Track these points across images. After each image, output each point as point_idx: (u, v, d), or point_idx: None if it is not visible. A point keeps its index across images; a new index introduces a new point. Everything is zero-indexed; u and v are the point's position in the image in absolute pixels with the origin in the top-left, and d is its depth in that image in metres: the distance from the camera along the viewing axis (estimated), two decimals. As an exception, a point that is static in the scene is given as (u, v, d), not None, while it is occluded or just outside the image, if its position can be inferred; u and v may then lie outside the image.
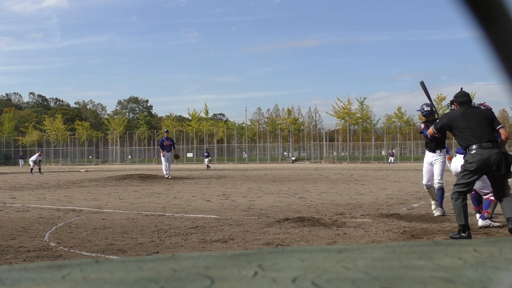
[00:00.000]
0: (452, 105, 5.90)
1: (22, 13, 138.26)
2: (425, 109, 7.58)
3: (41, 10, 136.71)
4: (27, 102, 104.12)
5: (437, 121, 6.07)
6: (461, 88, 5.85)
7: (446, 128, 5.81)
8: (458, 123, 5.51)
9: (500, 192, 5.34)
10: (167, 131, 19.59)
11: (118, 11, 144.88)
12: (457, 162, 7.47)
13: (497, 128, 5.48)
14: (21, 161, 48.52)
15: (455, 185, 5.47)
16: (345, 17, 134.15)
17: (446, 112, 6.16)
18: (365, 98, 60.01)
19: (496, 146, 5.29)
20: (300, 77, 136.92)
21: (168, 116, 72.18)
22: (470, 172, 5.33)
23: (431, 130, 6.14)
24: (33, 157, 27.98)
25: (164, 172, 18.66)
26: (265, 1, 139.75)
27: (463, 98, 5.65)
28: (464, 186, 5.38)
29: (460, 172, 5.64)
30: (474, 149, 5.31)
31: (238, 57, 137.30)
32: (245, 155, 61.60)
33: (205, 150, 38.53)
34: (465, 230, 5.31)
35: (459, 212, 5.33)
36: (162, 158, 18.95)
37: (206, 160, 35.41)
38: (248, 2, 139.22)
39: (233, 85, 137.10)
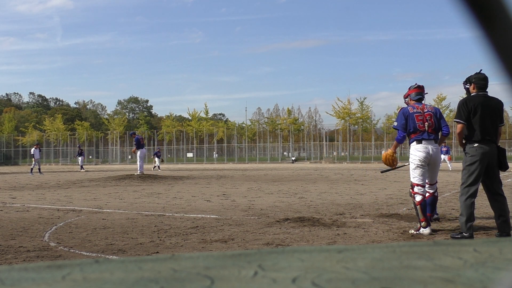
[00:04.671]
0: (467, 85, 5.45)
1: (28, 13, 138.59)
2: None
3: (46, 10, 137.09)
4: (27, 102, 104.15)
5: (459, 112, 5.39)
6: (481, 70, 5.49)
7: (468, 113, 5.25)
8: (478, 110, 5.20)
9: (492, 189, 5.31)
10: (132, 134, 21.13)
11: (123, 10, 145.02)
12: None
13: (499, 125, 5.35)
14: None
15: (462, 184, 5.42)
16: (347, 17, 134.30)
17: (465, 96, 5.46)
18: (365, 98, 60.01)
19: (494, 141, 5.27)
20: (302, 77, 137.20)
21: (168, 116, 72.19)
22: (474, 166, 5.28)
23: (458, 125, 5.40)
24: (37, 155, 27.47)
25: (140, 170, 19.42)
26: (270, 1, 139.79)
27: (484, 82, 5.32)
28: (474, 182, 5.32)
29: (464, 168, 5.48)
30: (477, 143, 5.23)
31: (240, 56, 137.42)
32: (215, 155, 61.25)
33: (157, 149, 35.59)
34: (468, 230, 5.28)
35: (466, 211, 5.27)
36: (139, 156, 19.71)
37: (157, 160, 32.10)
38: (254, 1, 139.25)
39: (234, 85, 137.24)
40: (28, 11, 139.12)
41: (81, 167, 32.27)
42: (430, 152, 5.91)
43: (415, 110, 6.01)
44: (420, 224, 5.85)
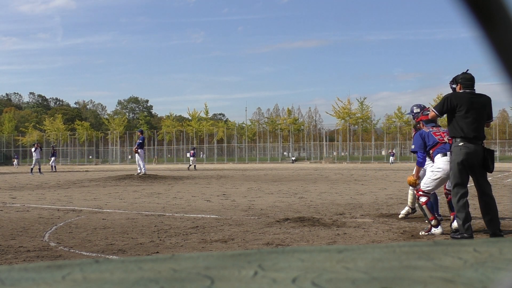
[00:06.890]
0: (454, 85, 5.48)
1: (30, 13, 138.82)
2: (414, 111, 6.94)
3: (48, 9, 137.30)
4: (27, 102, 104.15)
5: (441, 103, 5.43)
6: (467, 70, 5.49)
7: (450, 109, 5.27)
8: (463, 108, 5.17)
9: (479, 189, 5.29)
10: (142, 131, 21.38)
11: (125, 10, 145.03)
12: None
13: (487, 121, 5.33)
14: (15, 162, 49.59)
15: (451, 185, 5.41)
16: (348, 17, 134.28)
17: (449, 93, 5.48)
18: (365, 98, 60.08)
19: (482, 142, 5.24)
20: (302, 77, 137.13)
21: (168, 116, 72.19)
22: (460, 165, 5.23)
23: (432, 112, 5.58)
24: (37, 155, 27.40)
25: (144, 170, 19.90)
26: (272, 1, 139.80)
27: (470, 83, 5.32)
28: (462, 182, 5.30)
29: (450, 170, 5.46)
30: (462, 142, 5.19)
31: (241, 56, 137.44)
32: (202, 156, 61.35)
33: (192, 148, 36.87)
34: (467, 230, 5.26)
35: (461, 212, 5.26)
36: (140, 157, 20.12)
37: (192, 159, 33.30)
38: (256, 2, 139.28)
39: (234, 85, 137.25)
40: (30, 11, 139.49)
41: (54, 167, 30.84)
42: None
43: (430, 130, 6.12)
44: (431, 223, 5.82)
